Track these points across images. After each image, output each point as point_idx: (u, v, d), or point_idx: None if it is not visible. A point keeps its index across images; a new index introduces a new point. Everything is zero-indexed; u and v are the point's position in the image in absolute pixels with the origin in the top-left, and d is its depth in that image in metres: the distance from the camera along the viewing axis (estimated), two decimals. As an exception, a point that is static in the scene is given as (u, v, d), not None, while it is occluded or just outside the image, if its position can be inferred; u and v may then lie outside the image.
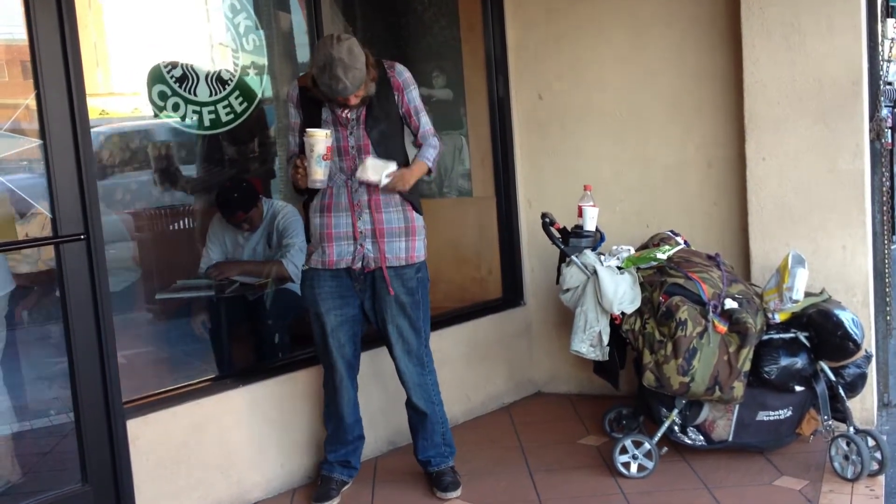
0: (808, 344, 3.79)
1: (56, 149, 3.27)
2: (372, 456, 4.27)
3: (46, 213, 3.31)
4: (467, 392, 4.78)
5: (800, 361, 3.76)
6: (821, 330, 3.75)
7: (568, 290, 4.03)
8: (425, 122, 3.71)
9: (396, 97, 3.64)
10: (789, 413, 3.83)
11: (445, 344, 4.52)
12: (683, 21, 4.59)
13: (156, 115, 4.17)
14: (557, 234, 4.17)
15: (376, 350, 4.06)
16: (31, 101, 3.29)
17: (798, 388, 3.78)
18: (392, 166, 3.53)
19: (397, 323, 3.70)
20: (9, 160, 3.41)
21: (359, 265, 3.64)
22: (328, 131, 3.47)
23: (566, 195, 4.57)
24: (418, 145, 3.71)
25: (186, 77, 4.09)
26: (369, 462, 4.21)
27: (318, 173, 3.47)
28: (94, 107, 4.14)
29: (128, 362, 4.10)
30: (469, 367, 4.79)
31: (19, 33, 3.29)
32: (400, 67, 3.67)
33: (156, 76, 4.06)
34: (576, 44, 4.86)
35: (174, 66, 4.09)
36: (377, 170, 3.50)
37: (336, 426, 3.84)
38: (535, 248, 5.04)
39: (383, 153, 3.59)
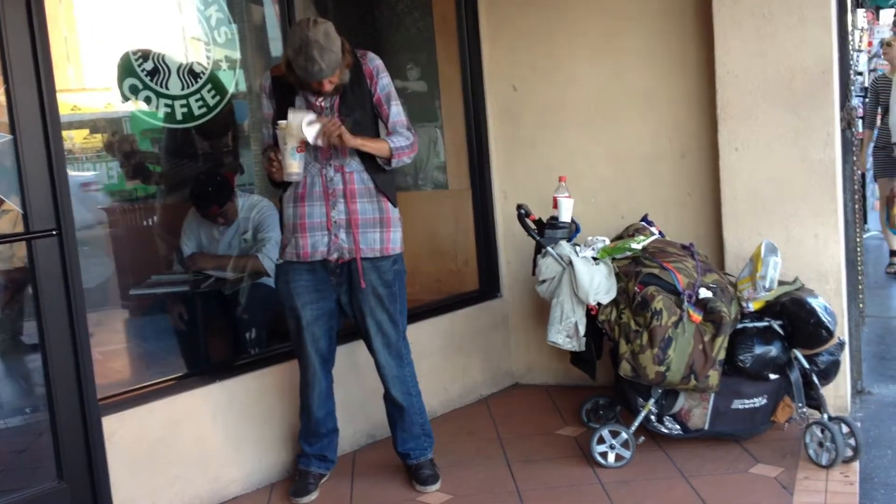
0: (781, 332, 3.82)
1: (26, 144, 3.23)
2: (350, 449, 4.27)
3: (18, 209, 3.27)
4: (444, 384, 4.78)
5: (774, 350, 3.79)
6: (794, 318, 3.78)
7: (544, 281, 4.04)
8: (396, 113, 3.64)
9: (369, 84, 3.61)
10: (764, 401, 3.86)
11: (422, 336, 4.52)
12: (656, 12, 4.61)
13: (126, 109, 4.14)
14: (533, 226, 4.18)
15: (353, 343, 4.05)
16: (0, 96, 3.24)
17: (772, 377, 3.81)
18: (310, 115, 3.41)
19: (376, 316, 3.69)
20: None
21: (334, 256, 3.62)
22: (305, 113, 3.39)
23: (541, 186, 4.58)
24: (389, 137, 3.66)
25: (158, 70, 4.05)
26: (348, 455, 4.21)
27: (293, 166, 3.44)
28: (66, 102, 4.10)
29: (103, 358, 4.08)
30: (446, 360, 4.79)
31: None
32: (372, 55, 3.64)
33: (127, 69, 4.02)
34: (549, 36, 4.86)
35: (145, 59, 4.05)
36: (298, 124, 3.35)
37: (308, 419, 3.83)
38: (510, 239, 5.05)
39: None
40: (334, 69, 3.41)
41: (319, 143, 3.43)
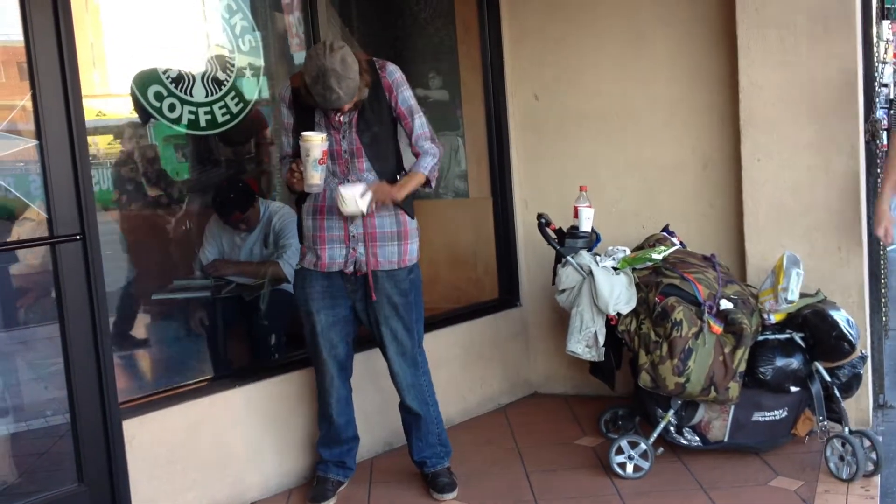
0: (803, 345, 3.80)
1: (52, 149, 3.27)
2: (368, 457, 4.27)
3: (42, 214, 3.31)
4: (463, 393, 4.78)
5: (795, 362, 3.77)
6: (816, 331, 3.76)
7: (564, 290, 4.04)
8: (420, 125, 3.65)
9: (388, 98, 3.61)
10: (785, 414, 3.84)
11: (441, 345, 4.53)
12: (679, 23, 4.60)
13: (151, 116, 4.17)
14: (553, 235, 4.18)
15: (370, 351, 4.06)
16: (28, 102, 3.28)
17: (793, 389, 3.79)
18: (360, 187, 3.47)
19: (391, 325, 3.70)
20: (4, 160, 3.40)
21: (351, 269, 3.63)
22: (324, 135, 3.44)
23: (562, 196, 4.58)
24: (413, 151, 3.68)
25: (182, 78, 4.09)
26: (365, 463, 4.21)
27: (315, 178, 3.45)
28: (91, 108, 4.13)
29: (124, 362, 4.11)
30: (465, 368, 4.79)
31: (16, 34, 3.28)
32: (391, 67, 3.63)
33: (152, 77, 4.05)
34: (572, 45, 4.86)
35: (170, 66, 4.09)
36: (352, 199, 3.44)
37: (328, 427, 3.83)
38: (531, 248, 5.04)
39: (375, 156, 3.58)
40: (352, 95, 3.42)
41: (365, 208, 3.47)
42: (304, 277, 3.71)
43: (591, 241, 4.17)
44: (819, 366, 3.79)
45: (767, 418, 3.83)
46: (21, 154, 3.41)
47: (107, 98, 4.98)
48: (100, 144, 5.02)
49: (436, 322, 4.55)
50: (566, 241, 4.13)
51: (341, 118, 3.55)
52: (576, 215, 4.17)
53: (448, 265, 5.31)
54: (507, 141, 5.08)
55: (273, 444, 3.98)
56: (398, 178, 3.64)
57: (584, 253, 4.05)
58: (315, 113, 3.57)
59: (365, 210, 3.48)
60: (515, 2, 4.99)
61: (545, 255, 4.55)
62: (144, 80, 4.07)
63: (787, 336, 3.81)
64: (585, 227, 4.16)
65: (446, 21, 5.34)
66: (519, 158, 5.10)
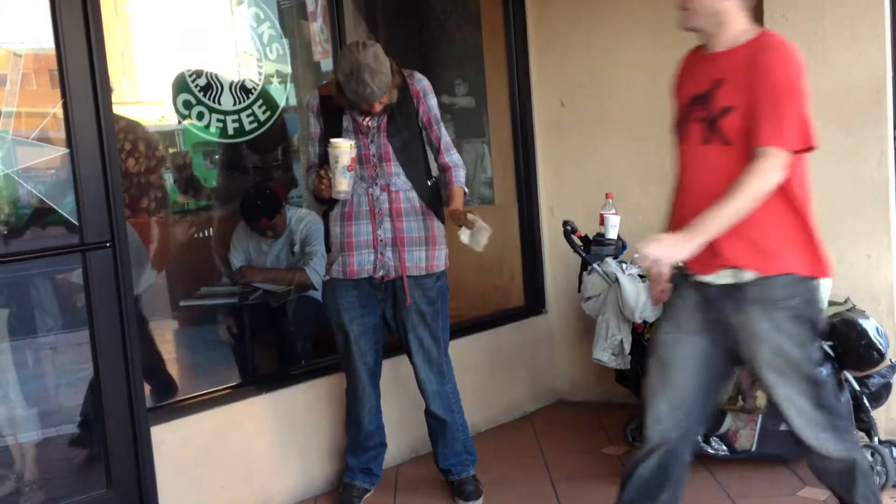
0: (832, 353, 3.75)
1: (82, 158, 3.31)
2: (394, 464, 4.28)
3: (73, 221, 3.34)
4: (489, 400, 4.78)
5: (824, 371, 3.73)
6: (845, 339, 3.72)
7: (590, 298, 4.03)
8: (445, 134, 3.71)
9: (416, 104, 3.64)
10: (813, 423, 3.79)
11: (467, 352, 4.53)
12: (706, 29, 4.57)
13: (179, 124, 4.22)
14: (579, 243, 4.17)
15: (398, 358, 4.06)
16: (59, 110, 3.32)
17: (822, 398, 3.75)
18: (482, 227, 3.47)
19: (417, 332, 3.71)
20: (36, 168, 3.45)
21: (380, 274, 3.64)
22: (352, 142, 3.47)
23: (588, 203, 4.57)
24: (442, 161, 3.69)
25: (211, 86, 4.12)
26: (391, 470, 4.22)
27: (343, 184, 3.47)
28: (121, 115, 4.18)
29: (152, 368, 4.13)
30: (491, 375, 4.79)
31: (47, 42, 3.32)
32: (419, 76, 3.67)
33: (181, 85, 4.09)
34: (598, 51, 4.85)
35: (199, 75, 4.13)
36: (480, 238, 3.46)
37: (357, 433, 3.85)
38: (556, 256, 5.03)
39: (405, 160, 3.60)
40: (385, 91, 3.44)
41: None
42: (333, 288, 3.72)
43: (618, 248, 4.16)
44: (848, 375, 3.74)
45: (796, 428, 3.79)
46: (52, 162, 3.46)
47: (136, 105, 5.03)
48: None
49: (462, 329, 4.55)
50: (592, 248, 4.12)
51: (370, 122, 3.57)
52: (602, 222, 4.16)
53: (473, 272, 5.30)
54: (533, 147, 5.08)
55: (299, 450, 4.00)
56: (428, 183, 3.67)
57: (610, 260, 4.04)
58: (343, 119, 3.60)
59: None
60: (542, 9, 4.99)
61: (571, 262, 4.54)
62: (173, 89, 4.11)
63: (816, 345, 3.76)
64: (611, 234, 4.16)
65: (472, 28, 5.35)
66: (545, 165, 5.10)
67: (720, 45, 2.71)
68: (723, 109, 2.62)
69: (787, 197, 2.63)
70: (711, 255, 2.61)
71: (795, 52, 2.64)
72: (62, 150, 3.34)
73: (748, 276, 2.62)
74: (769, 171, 2.54)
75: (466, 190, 3.70)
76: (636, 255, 2.60)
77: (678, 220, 2.74)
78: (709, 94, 2.67)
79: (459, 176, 3.67)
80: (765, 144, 2.55)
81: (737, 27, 2.68)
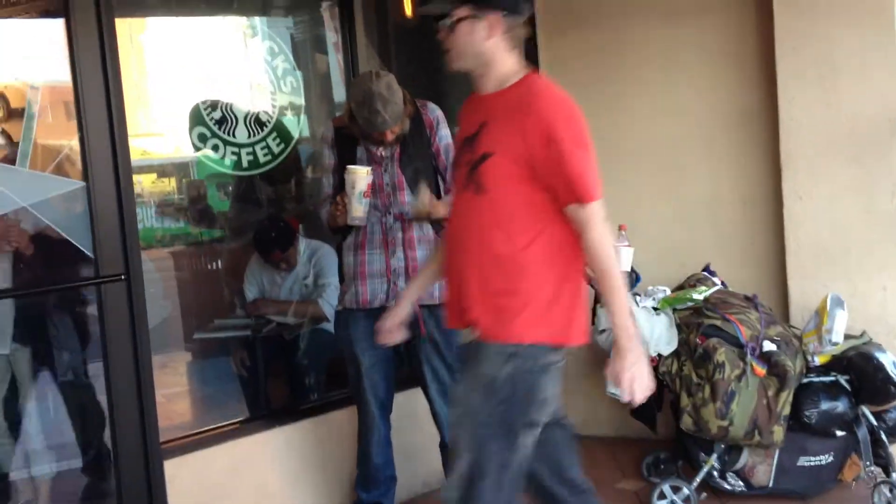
0: (848, 387, 3.74)
1: (98, 190, 3.31)
2: (407, 497, 4.24)
3: (88, 254, 3.35)
4: (502, 432, 4.74)
5: (840, 405, 3.70)
6: (861, 373, 3.70)
7: (603, 331, 4.01)
8: None
9: (429, 134, 3.65)
10: (830, 458, 3.77)
11: (480, 384, 4.50)
12: (718, 60, 4.59)
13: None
14: (592, 275, 4.15)
15: (411, 391, 4.04)
16: (75, 143, 3.34)
17: (839, 433, 3.73)
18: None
19: (432, 363, 3.69)
20: (52, 200, 3.47)
21: (392, 304, 3.63)
22: (369, 168, 3.47)
23: (601, 235, 4.55)
24: (447, 189, 3.69)
25: (226, 119, 4.15)
26: (404, 503, 4.19)
27: (359, 210, 3.47)
28: (136, 147, 4.22)
29: (166, 401, 4.13)
30: (503, 408, 4.75)
31: (63, 75, 3.35)
32: (432, 105, 3.69)
33: (196, 118, 4.13)
34: (608, 82, 4.86)
35: (214, 107, 4.16)
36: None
37: (366, 466, 3.82)
38: (569, 287, 5.01)
39: (418, 190, 3.60)
40: (397, 120, 3.46)
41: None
42: (346, 318, 3.71)
43: (631, 281, 4.14)
44: (865, 409, 3.72)
45: (813, 463, 3.76)
46: (67, 194, 3.47)
47: (150, 137, 5.07)
48: (143, 183, 5.10)
49: (474, 361, 4.52)
50: (606, 281, 4.10)
51: (383, 152, 3.58)
52: (615, 255, 4.15)
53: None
54: (545, 179, 5.07)
55: (311, 484, 3.97)
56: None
57: (623, 293, 4.01)
58: (357, 149, 3.61)
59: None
60: (553, 41, 5.01)
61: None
62: (189, 121, 4.14)
63: (832, 379, 3.74)
64: (624, 266, 4.14)
65: (484, 60, 5.36)
66: (557, 197, 5.09)
67: (488, 87, 2.57)
68: (482, 155, 2.47)
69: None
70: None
71: (562, 97, 2.52)
72: (79, 184, 3.36)
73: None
74: (598, 225, 2.44)
75: None
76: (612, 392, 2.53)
77: (444, 271, 2.67)
78: (474, 137, 2.52)
79: None
80: (576, 202, 2.43)
81: (504, 69, 2.54)
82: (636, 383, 2.48)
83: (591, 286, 2.78)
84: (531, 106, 2.44)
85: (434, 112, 3.67)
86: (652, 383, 2.52)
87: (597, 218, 2.44)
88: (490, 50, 2.53)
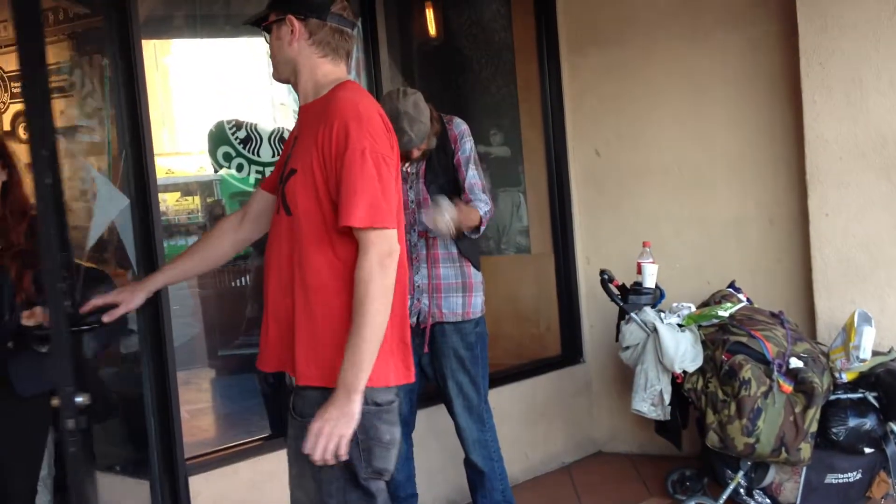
0: (876, 404, 3.70)
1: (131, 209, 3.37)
2: (430, 515, 4.24)
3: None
4: (526, 451, 4.73)
5: (869, 422, 3.67)
6: (890, 390, 3.67)
7: (628, 347, 4.00)
8: (472, 175, 3.61)
9: (453, 149, 3.64)
10: (859, 476, 3.73)
11: (503, 401, 4.49)
12: (742, 78, 4.59)
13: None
14: (616, 291, 4.15)
15: (435, 407, 4.04)
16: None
17: (867, 450, 3.69)
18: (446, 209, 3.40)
19: (457, 379, 3.69)
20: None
21: (414, 320, 3.64)
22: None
23: (625, 252, 4.55)
24: (466, 199, 3.62)
25: (250, 138, 4.19)
26: (428, 521, 4.18)
27: None
28: (161, 166, 4.26)
29: (190, 417, 4.15)
30: (528, 426, 4.74)
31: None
32: (458, 121, 3.69)
33: (221, 137, 4.16)
34: (632, 101, 4.87)
35: (238, 127, 4.19)
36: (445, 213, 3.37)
37: (388, 483, 3.80)
38: (594, 304, 5.01)
39: (434, 203, 3.56)
40: (423, 139, 3.47)
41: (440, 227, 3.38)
42: (368, 335, 3.71)
43: (656, 297, 4.13)
44: (894, 426, 3.68)
45: (841, 480, 3.72)
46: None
47: (175, 156, 5.11)
48: (168, 201, 5.14)
49: (498, 378, 4.51)
50: (629, 297, 4.10)
51: (409, 169, 3.59)
52: (639, 271, 4.15)
53: (510, 321, 5.29)
54: (569, 196, 5.08)
55: (336, 501, 3.96)
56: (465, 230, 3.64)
57: (648, 309, 4.01)
58: None
59: (444, 228, 3.36)
60: (576, 59, 5.03)
61: (608, 311, 4.51)
62: (213, 141, 4.18)
63: (860, 395, 3.71)
64: (649, 283, 4.13)
65: (508, 79, 5.40)
66: (581, 214, 5.10)
67: (303, 97, 2.34)
68: (289, 172, 2.27)
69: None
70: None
71: (359, 104, 2.22)
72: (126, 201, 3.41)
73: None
74: (374, 256, 2.14)
75: (481, 215, 3.53)
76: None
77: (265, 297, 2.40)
78: (289, 154, 2.34)
79: (479, 206, 3.55)
80: (346, 223, 2.14)
81: (316, 77, 2.31)
82: (329, 442, 2.17)
83: None
84: (326, 114, 2.19)
85: (459, 126, 3.67)
86: (354, 451, 2.24)
87: (374, 248, 2.14)
88: (295, 57, 2.30)
